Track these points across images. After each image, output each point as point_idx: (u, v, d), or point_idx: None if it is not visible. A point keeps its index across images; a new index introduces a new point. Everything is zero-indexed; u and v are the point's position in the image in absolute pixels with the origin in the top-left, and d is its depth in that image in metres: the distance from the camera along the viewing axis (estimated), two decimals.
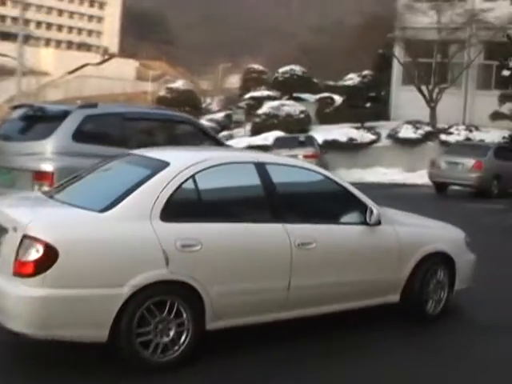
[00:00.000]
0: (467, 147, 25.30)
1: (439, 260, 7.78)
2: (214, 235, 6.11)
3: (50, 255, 5.37)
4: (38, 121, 9.99)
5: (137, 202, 5.89)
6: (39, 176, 9.29)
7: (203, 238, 5.99)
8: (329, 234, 6.90)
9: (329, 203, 7.30)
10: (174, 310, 5.87)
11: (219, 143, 11.44)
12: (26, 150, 9.56)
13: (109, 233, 5.70)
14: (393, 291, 7.45)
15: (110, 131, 10.09)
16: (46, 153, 9.39)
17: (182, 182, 6.11)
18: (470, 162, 23.26)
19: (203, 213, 6.21)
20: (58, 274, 5.40)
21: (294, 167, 7.10)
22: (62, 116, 9.70)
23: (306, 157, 27.25)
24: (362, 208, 7.12)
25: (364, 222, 7.09)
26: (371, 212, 7.04)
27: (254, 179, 6.62)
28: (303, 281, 6.61)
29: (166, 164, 6.27)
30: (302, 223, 6.72)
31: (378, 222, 7.11)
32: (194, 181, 6.20)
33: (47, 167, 9.24)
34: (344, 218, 7.13)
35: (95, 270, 5.55)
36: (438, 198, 23.57)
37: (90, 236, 5.62)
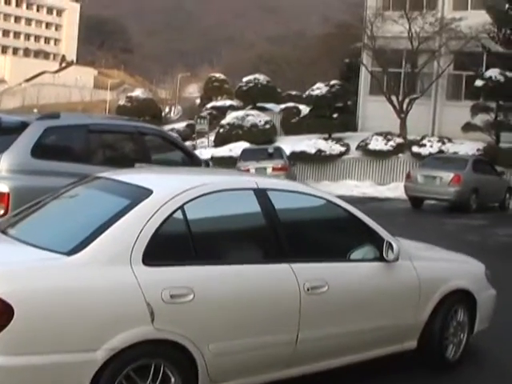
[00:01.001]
0: (444, 160, 24.39)
1: (460, 298, 6.70)
2: (209, 281, 4.93)
3: (2, 313, 4.14)
4: None
5: (113, 241, 4.67)
6: None
7: (196, 285, 4.80)
8: (342, 274, 5.76)
9: (340, 236, 6.15)
10: (160, 375, 4.65)
11: (192, 157, 10.32)
12: None
13: (78, 282, 4.46)
14: (410, 337, 6.33)
15: (74, 145, 9.03)
16: (1, 171, 8.18)
17: (169, 215, 4.91)
18: (448, 175, 22.32)
19: (195, 253, 5.00)
20: (13, 337, 4.16)
21: (299, 193, 5.91)
22: (19, 128, 8.53)
23: (275, 169, 26.69)
24: (378, 241, 5.98)
25: (380, 258, 5.96)
26: (390, 246, 5.91)
27: (254, 209, 5.47)
28: (313, 332, 5.46)
29: (147, 192, 5.06)
30: (312, 262, 5.57)
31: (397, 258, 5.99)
32: (184, 213, 5.00)
33: (2, 187, 8.08)
34: (357, 254, 5.97)
35: (61, 330, 4.31)
36: (415, 214, 22.60)
37: (54, 287, 4.38)
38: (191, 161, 10.17)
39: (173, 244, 4.96)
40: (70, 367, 4.32)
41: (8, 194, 7.99)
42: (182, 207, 4.99)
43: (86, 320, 4.38)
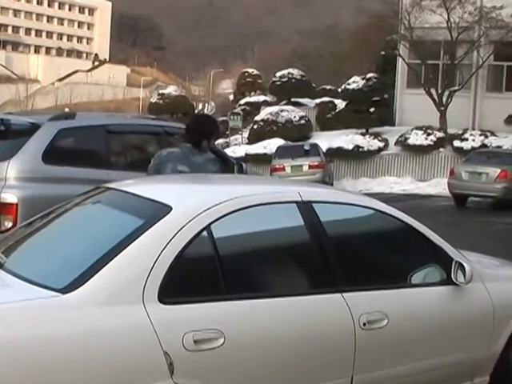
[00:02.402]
0: (489, 155, 23.11)
1: None
2: (243, 321, 3.94)
3: None
4: None
5: (119, 273, 3.70)
6: (0, 208, 7.19)
7: (226, 326, 3.81)
8: (403, 303, 4.70)
9: (400, 256, 5.08)
10: None
11: (225, 159, 9.34)
12: None
13: (71, 328, 3.48)
14: (482, 371, 5.24)
15: (91, 148, 8.08)
16: (9, 178, 7.27)
17: (192, 239, 3.91)
18: (494, 171, 21.05)
19: (225, 285, 3.99)
20: None
21: (350, 206, 4.85)
22: (30, 130, 7.63)
23: (311, 167, 26.10)
24: (445, 260, 4.93)
25: (447, 281, 4.91)
26: (460, 267, 4.86)
27: (297, 228, 4.45)
28: (370, 374, 4.44)
29: (165, 208, 4.06)
30: (368, 289, 4.55)
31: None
32: (210, 235, 4.00)
33: (10, 197, 7.17)
34: (420, 277, 4.90)
35: None
36: (459, 212, 21.37)
37: (39, 336, 3.40)
38: (222, 162, 9.21)
39: (197, 275, 3.96)
40: None
41: (16, 205, 7.13)
42: (208, 227, 4.00)
43: (80, 378, 3.42)
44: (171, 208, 4.05)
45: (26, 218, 5.85)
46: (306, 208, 4.47)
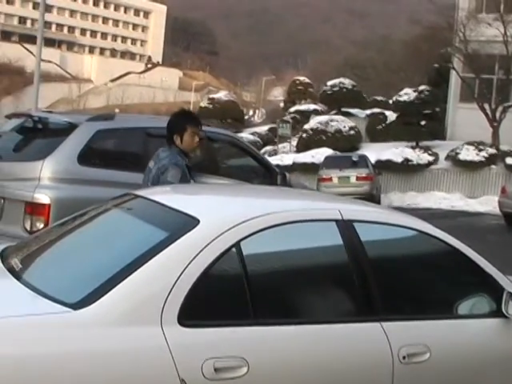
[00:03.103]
0: None
1: None
2: (270, 348, 3.58)
3: None
4: (35, 135, 7.79)
5: (138, 291, 3.39)
6: (32, 209, 7.02)
7: (252, 353, 3.47)
8: (448, 335, 4.28)
9: (446, 283, 4.64)
10: None
11: (267, 168, 9.01)
12: (19, 173, 7.34)
13: (80, 348, 3.18)
14: None
15: (128, 151, 7.92)
16: (43, 178, 7.09)
17: (219, 256, 3.58)
18: None
19: (253, 309, 3.64)
20: None
21: (396, 227, 4.44)
22: (67, 130, 7.44)
23: (359, 178, 25.70)
24: (494, 290, 4.51)
25: (497, 313, 4.48)
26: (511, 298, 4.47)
27: (335, 248, 4.08)
28: None
29: (192, 221, 3.74)
30: (409, 319, 4.16)
31: None
32: (239, 252, 3.66)
33: (42, 198, 7.00)
34: (467, 307, 4.49)
35: None
36: (510, 232, 20.71)
37: (45, 354, 3.11)
38: (265, 171, 8.90)
39: (222, 296, 3.63)
40: None
41: (49, 206, 6.94)
42: (237, 244, 3.66)
43: None
44: (198, 221, 3.73)
45: (58, 219, 5.61)
46: (346, 227, 4.10)
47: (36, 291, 3.49)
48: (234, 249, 3.65)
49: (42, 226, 6.86)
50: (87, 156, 7.29)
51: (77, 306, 3.30)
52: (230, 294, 3.66)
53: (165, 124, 6.49)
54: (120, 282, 3.38)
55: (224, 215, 3.93)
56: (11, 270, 3.87)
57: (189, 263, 3.49)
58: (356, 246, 4.08)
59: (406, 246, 4.62)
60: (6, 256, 4.16)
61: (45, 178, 7.11)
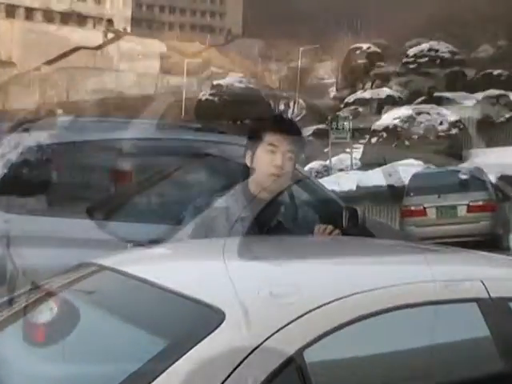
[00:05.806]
0: None
1: None
2: None
3: None
4: None
5: None
6: None
7: None
8: None
9: None
10: None
11: (329, 203, 6.19)
12: None
13: None
14: None
15: (70, 181, 5.96)
16: None
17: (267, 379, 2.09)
18: None
19: None
20: None
21: None
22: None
23: (472, 209, 18.85)
24: None
25: None
26: None
27: (477, 344, 2.66)
28: None
29: (214, 316, 2.23)
30: None
31: None
32: (300, 373, 2.15)
33: None
34: None
35: None
36: None
37: None
38: (324, 207, 5.86)
39: None
40: None
41: None
42: (298, 355, 2.20)
43: None
44: (224, 315, 2.31)
45: None
46: (495, 309, 2.75)
47: None
48: (292, 362, 2.33)
49: None
50: None
51: None
52: None
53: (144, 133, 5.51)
54: None
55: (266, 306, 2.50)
56: None
57: None
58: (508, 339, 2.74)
59: None
60: None
61: None
